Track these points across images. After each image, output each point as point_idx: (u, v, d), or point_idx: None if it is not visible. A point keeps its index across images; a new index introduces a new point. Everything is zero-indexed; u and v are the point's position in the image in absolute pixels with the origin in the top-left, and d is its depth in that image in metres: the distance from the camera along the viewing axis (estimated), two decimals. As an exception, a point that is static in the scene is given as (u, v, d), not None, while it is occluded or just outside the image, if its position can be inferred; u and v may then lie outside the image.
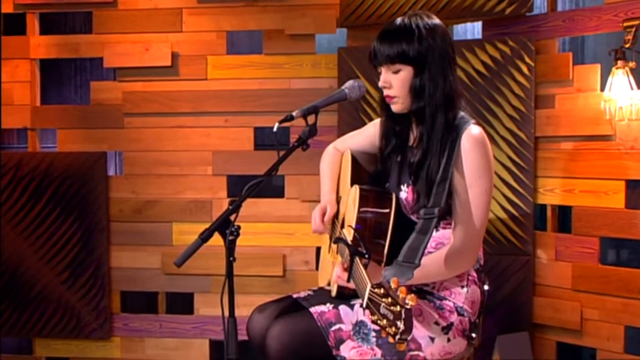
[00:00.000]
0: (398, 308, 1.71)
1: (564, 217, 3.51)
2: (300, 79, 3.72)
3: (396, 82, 2.27)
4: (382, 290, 1.78)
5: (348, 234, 2.25)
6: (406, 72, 2.25)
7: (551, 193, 3.32)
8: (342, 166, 2.60)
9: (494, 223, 3.37)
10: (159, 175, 3.84)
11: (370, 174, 2.51)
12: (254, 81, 3.76)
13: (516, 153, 3.34)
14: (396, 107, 2.31)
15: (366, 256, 2.02)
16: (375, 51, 2.28)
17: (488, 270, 3.16)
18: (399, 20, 2.29)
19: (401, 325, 1.70)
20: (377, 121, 2.49)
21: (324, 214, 2.46)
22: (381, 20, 3.47)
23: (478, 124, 2.27)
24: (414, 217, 2.30)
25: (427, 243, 2.12)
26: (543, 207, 3.45)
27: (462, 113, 2.29)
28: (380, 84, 2.30)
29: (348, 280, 2.08)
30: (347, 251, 2.12)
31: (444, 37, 2.27)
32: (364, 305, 1.85)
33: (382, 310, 1.76)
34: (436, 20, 2.29)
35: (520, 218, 3.34)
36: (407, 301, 1.71)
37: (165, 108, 3.81)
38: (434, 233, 2.25)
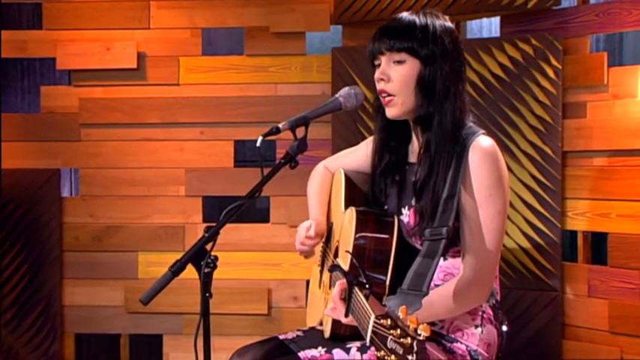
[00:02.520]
0: (409, 340, 1.68)
1: (598, 245, 3.54)
2: (288, 84, 3.77)
3: (396, 76, 2.25)
4: (389, 321, 1.75)
5: (344, 262, 2.29)
6: (412, 65, 2.24)
7: (583, 217, 3.35)
8: (333, 187, 2.64)
9: (515, 253, 3.40)
10: (122, 197, 3.88)
11: (366, 196, 2.54)
12: (234, 86, 3.81)
13: (541, 171, 3.38)
14: (391, 111, 2.29)
15: (367, 285, 2.04)
16: (374, 47, 2.28)
17: (509, 308, 3.20)
18: (408, 16, 2.28)
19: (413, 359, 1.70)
20: (372, 139, 2.50)
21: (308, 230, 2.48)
22: (382, 16, 3.51)
23: (489, 135, 2.29)
24: (416, 242, 2.32)
25: (435, 268, 2.15)
26: (573, 234, 3.49)
27: (470, 123, 2.31)
28: (376, 76, 2.28)
29: (347, 315, 2.10)
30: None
31: (458, 45, 2.30)
32: (368, 340, 1.84)
33: (390, 345, 1.73)
34: (451, 24, 2.32)
35: (546, 247, 3.37)
36: (419, 332, 1.69)
37: (129, 118, 3.85)
38: (441, 262, 2.28)
